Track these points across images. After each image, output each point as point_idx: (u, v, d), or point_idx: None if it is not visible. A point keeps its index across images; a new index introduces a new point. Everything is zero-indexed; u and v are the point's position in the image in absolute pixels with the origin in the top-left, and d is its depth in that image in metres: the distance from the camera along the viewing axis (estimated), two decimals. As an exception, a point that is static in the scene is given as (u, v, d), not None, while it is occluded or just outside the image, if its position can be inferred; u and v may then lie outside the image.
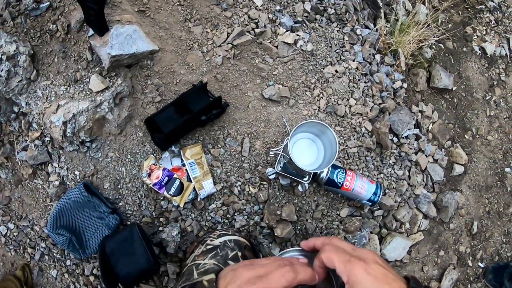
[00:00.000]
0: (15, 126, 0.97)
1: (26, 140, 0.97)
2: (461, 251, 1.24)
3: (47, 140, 0.95)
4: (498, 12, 1.57)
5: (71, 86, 0.90)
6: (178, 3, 0.98)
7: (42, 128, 0.94)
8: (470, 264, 1.25)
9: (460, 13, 1.53)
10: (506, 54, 1.49)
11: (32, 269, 1.04)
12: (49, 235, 0.96)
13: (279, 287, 0.40)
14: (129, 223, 0.95)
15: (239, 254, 0.69)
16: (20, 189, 1.02)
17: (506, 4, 1.60)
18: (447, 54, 1.40)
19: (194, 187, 0.92)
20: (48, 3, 0.91)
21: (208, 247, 0.71)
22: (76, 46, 0.90)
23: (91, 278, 0.99)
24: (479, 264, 1.26)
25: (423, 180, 1.18)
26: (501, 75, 1.47)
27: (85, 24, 0.89)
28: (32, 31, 0.91)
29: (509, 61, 1.50)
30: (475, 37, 1.48)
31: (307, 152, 0.92)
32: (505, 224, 1.31)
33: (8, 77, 0.87)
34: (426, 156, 1.19)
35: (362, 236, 1.07)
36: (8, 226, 1.03)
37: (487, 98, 1.41)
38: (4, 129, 0.97)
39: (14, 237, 1.03)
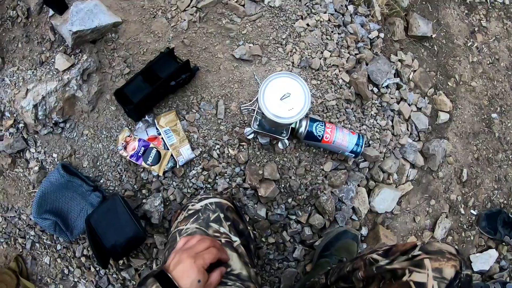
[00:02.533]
0: None
1: (1, 130, 0.96)
2: (452, 199, 1.23)
3: (21, 127, 0.94)
4: (475, -47, 1.51)
5: (37, 69, 0.89)
6: (136, -31, 0.95)
7: (15, 115, 0.93)
8: (463, 212, 1.25)
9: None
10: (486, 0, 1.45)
11: (26, 259, 1.05)
12: (36, 221, 0.96)
13: (208, 262, 0.53)
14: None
15: (221, 215, 0.68)
16: (2, 180, 1.01)
17: None
18: (424, 2, 1.36)
19: (172, 155, 0.91)
20: None
21: (190, 212, 0.70)
22: (38, 28, 0.89)
23: (83, 259, 1.00)
24: (472, 211, 1.26)
25: (408, 130, 1.16)
26: (482, 21, 1.44)
27: (44, 6, 0.88)
28: None
29: (490, 7, 1.46)
30: (453, -18, 1.44)
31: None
32: (495, 170, 1.30)
33: None
34: (409, 105, 1.17)
35: (349, 189, 1.06)
36: None
37: (468, 45, 1.38)
38: None
39: (3, 229, 1.04)
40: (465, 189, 1.27)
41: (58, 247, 1.02)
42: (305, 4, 1.06)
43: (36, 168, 0.97)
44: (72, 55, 0.89)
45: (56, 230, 0.94)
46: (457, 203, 1.25)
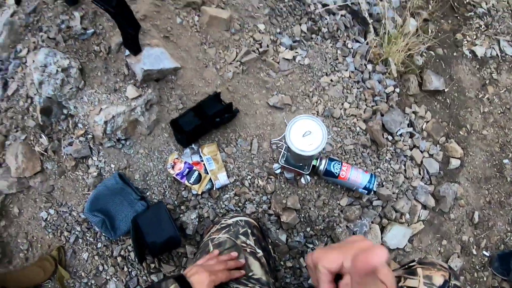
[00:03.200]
0: (63, 125, 1.17)
1: (72, 137, 1.15)
2: (464, 240, 1.30)
3: (90, 137, 1.14)
4: (487, 17, 1.68)
5: (111, 94, 1.12)
6: (195, 30, 1.20)
7: (86, 127, 1.14)
8: (475, 253, 1.30)
9: (450, 21, 1.67)
10: (497, 54, 1.59)
11: (67, 251, 1.18)
12: (86, 216, 1.11)
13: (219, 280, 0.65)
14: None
15: (249, 231, 0.81)
16: (62, 179, 1.18)
17: (495, 9, 1.72)
18: (438, 60, 1.53)
19: (210, 178, 1.10)
20: (93, 30, 1.15)
21: (222, 225, 0.84)
22: (115, 63, 1.13)
23: (119, 259, 1.14)
24: (484, 252, 1.31)
25: (420, 173, 1.28)
26: (493, 74, 1.57)
27: (122, 46, 1.12)
28: (80, 51, 1.14)
29: (500, 61, 1.60)
30: (465, 42, 1.61)
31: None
32: (508, 213, 1.36)
33: (62, 84, 1.09)
34: (421, 151, 1.30)
35: (363, 224, 1.18)
36: (49, 211, 1.19)
37: (480, 96, 1.51)
38: (54, 127, 1.17)
39: (53, 222, 1.19)
40: (477, 231, 1.33)
41: (99, 245, 1.16)
42: (329, 63, 1.27)
43: (95, 174, 1.15)
44: (140, 88, 1.11)
45: (103, 227, 1.10)
46: (469, 244, 1.31)
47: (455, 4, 1.72)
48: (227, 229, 0.83)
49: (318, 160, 1.11)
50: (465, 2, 1.74)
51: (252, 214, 1.10)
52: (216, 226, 0.88)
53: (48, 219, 1.20)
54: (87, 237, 1.17)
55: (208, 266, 0.67)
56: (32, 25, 1.20)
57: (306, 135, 1.00)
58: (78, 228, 1.18)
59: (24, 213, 1.23)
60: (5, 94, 1.19)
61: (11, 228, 1.23)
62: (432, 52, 1.53)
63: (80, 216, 1.17)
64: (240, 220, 0.84)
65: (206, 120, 1.07)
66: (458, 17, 1.69)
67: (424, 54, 1.51)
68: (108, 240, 1.16)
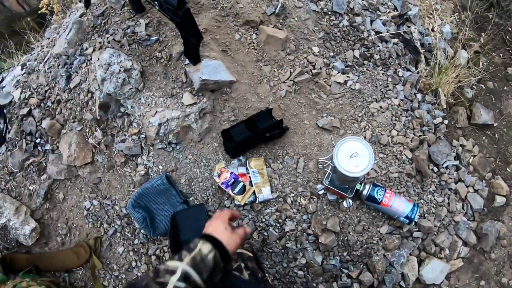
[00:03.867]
0: (118, 122, 1.23)
1: (125, 135, 1.21)
2: (503, 283, 1.26)
3: (142, 137, 1.19)
4: (541, 55, 1.64)
5: (167, 98, 1.17)
6: (252, 47, 1.25)
7: (140, 127, 1.19)
8: (514, 297, 1.25)
9: (501, 55, 1.64)
10: (550, 94, 1.55)
11: (103, 242, 1.24)
12: (129, 211, 1.15)
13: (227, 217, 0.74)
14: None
15: (242, 265, 0.81)
16: (110, 173, 1.24)
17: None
18: (488, 94, 1.51)
19: (254, 191, 1.12)
20: (156, 37, 1.22)
21: None
22: (174, 70, 1.19)
23: (153, 258, 1.17)
24: (524, 299, 1.26)
25: (463, 209, 1.26)
26: (545, 113, 1.52)
27: (183, 56, 1.18)
28: (143, 55, 1.21)
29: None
30: (518, 78, 1.57)
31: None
32: (552, 260, 1.30)
33: (123, 83, 1.16)
34: (466, 186, 1.28)
35: (401, 255, 1.17)
36: (92, 202, 1.25)
37: (530, 136, 1.46)
38: (110, 123, 1.24)
39: (95, 212, 1.25)
40: (518, 275, 1.28)
41: (136, 241, 1.20)
42: (380, 90, 1.28)
43: (142, 172, 1.20)
44: (196, 96, 1.16)
45: (143, 224, 1.14)
46: (508, 287, 1.26)
47: (507, 37, 1.69)
48: None
49: (362, 184, 1.11)
50: (518, 37, 1.71)
51: (290, 231, 1.11)
52: None
53: (91, 209, 1.27)
54: (126, 232, 1.23)
55: (213, 216, 0.77)
56: (100, 27, 1.30)
57: (353, 156, 1.01)
58: (118, 222, 1.24)
59: (69, 200, 1.30)
60: (68, 87, 1.29)
61: (53, 212, 1.31)
62: (482, 85, 1.51)
63: (122, 211, 1.23)
64: None
65: (256, 133, 1.10)
66: (510, 51, 1.66)
67: (474, 87, 1.49)
68: (145, 238, 1.21)
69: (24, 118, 1.34)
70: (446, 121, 1.33)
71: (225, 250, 0.66)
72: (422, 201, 1.21)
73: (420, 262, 1.20)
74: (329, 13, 1.35)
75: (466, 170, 1.30)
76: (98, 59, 1.20)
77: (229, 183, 1.13)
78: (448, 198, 1.24)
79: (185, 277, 0.57)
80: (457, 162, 1.29)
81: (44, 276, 1.24)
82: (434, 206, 1.22)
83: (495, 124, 1.44)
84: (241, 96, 1.20)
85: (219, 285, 0.67)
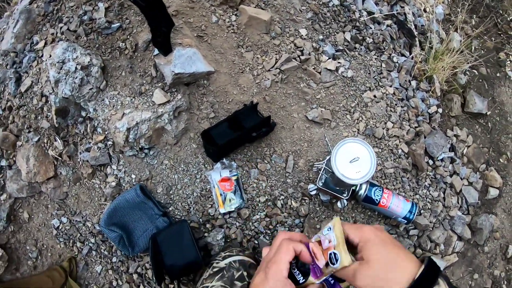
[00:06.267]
0: (80, 129, 1.06)
1: (90, 142, 1.05)
2: (495, 275, 1.24)
3: (109, 144, 1.03)
4: (532, 38, 1.60)
5: (135, 97, 1.00)
6: (232, 31, 1.09)
7: (106, 133, 1.03)
8: (505, 288, 1.24)
9: (493, 39, 1.57)
10: (541, 79, 1.51)
11: (79, 263, 1.11)
12: (102, 230, 1.03)
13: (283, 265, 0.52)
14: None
15: (245, 273, 0.73)
16: (77, 186, 1.09)
17: (540, 31, 1.63)
18: (481, 80, 1.44)
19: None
20: (118, 24, 1.03)
21: (215, 269, 0.76)
22: (142, 63, 1.02)
23: (135, 276, 1.06)
24: (515, 289, 1.25)
25: (458, 202, 1.20)
26: (536, 100, 1.49)
27: (151, 44, 1.01)
28: (103, 47, 1.02)
29: (545, 87, 1.52)
30: (509, 62, 1.52)
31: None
32: (543, 250, 1.30)
33: (81, 84, 0.97)
34: (461, 179, 1.22)
35: (397, 254, 1.10)
36: (61, 219, 1.11)
37: (522, 123, 1.43)
38: (70, 130, 1.07)
39: (65, 231, 1.11)
40: (509, 265, 1.27)
41: (114, 259, 1.08)
42: (373, 77, 1.17)
43: (113, 184, 1.05)
44: (169, 93, 1.00)
45: (120, 244, 1.01)
46: (500, 279, 1.25)
47: (499, 21, 1.62)
48: (220, 274, 0.74)
49: (358, 184, 1.02)
50: (508, 19, 1.64)
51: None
52: (208, 269, 0.79)
53: (60, 227, 1.11)
54: (102, 250, 1.09)
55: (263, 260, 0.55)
56: (52, 15, 1.09)
57: (354, 161, 0.91)
58: (92, 240, 1.09)
59: (35, 219, 1.13)
60: (18, 90, 1.08)
61: (19, 234, 1.14)
62: (475, 71, 1.44)
63: (94, 227, 1.08)
64: (233, 261, 0.76)
65: (241, 133, 0.97)
66: (501, 35, 1.60)
67: (467, 72, 1.42)
68: (124, 256, 1.07)
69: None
70: (440, 110, 1.26)
71: None
72: (417, 196, 1.14)
73: (416, 260, 1.14)
74: (318, -9, 1.20)
75: (460, 162, 1.24)
76: (50, 56, 1.00)
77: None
78: (444, 193, 1.18)
79: None
80: (452, 154, 1.22)
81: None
82: (430, 201, 1.15)
83: (488, 113, 1.39)
84: (221, 88, 1.05)
85: None
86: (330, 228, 0.54)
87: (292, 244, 0.53)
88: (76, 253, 1.11)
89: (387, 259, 0.47)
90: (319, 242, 0.54)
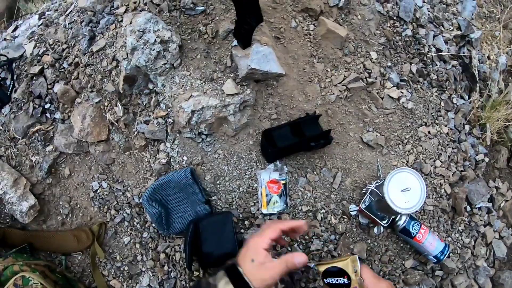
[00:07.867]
0: (144, 100, 1.06)
1: (150, 116, 1.05)
2: (506, 333, 1.24)
3: (170, 122, 1.03)
4: None
5: (206, 82, 1.01)
6: (308, 39, 1.11)
7: (169, 110, 1.03)
8: None
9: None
10: None
11: (108, 229, 1.11)
12: (143, 204, 1.02)
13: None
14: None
15: None
16: (126, 155, 1.09)
17: None
18: (528, 138, 1.44)
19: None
20: (203, 8, 1.03)
21: None
22: (218, 50, 1.03)
23: (162, 256, 1.06)
24: None
25: (486, 254, 1.21)
26: None
27: (231, 35, 1.02)
28: (184, 26, 1.03)
29: None
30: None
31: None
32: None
33: (157, 57, 0.98)
34: (494, 231, 1.23)
35: (419, 291, 1.11)
36: (101, 184, 1.11)
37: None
38: (133, 100, 1.07)
39: (103, 196, 1.11)
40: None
41: (145, 234, 1.08)
42: (431, 114, 1.18)
43: (164, 161, 1.04)
44: (239, 85, 1.00)
45: (157, 221, 1.01)
46: None
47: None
48: None
49: (399, 215, 1.03)
50: None
51: (316, 251, 1.02)
52: None
53: (99, 191, 1.12)
54: (135, 223, 1.10)
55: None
56: None
57: (405, 191, 0.93)
58: (128, 211, 1.10)
59: (75, 177, 1.15)
60: (90, 49, 1.10)
61: (56, 188, 1.15)
62: (524, 128, 1.44)
63: (133, 199, 1.10)
64: None
65: (301, 140, 0.98)
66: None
67: (518, 128, 1.42)
68: (156, 233, 1.08)
69: (34, 78, 1.14)
70: (487, 159, 1.26)
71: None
72: (449, 239, 1.14)
73: (434, 300, 1.15)
74: (394, 18, 1.22)
75: (496, 214, 1.25)
76: (131, 23, 1.01)
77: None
78: (475, 241, 1.18)
79: None
80: (490, 204, 1.23)
81: (38, 257, 1.10)
82: (460, 246, 1.16)
83: (530, 171, 1.39)
84: (288, 92, 1.06)
85: None
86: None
87: (279, 224, 0.64)
88: (108, 220, 1.11)
89: None
90: None
